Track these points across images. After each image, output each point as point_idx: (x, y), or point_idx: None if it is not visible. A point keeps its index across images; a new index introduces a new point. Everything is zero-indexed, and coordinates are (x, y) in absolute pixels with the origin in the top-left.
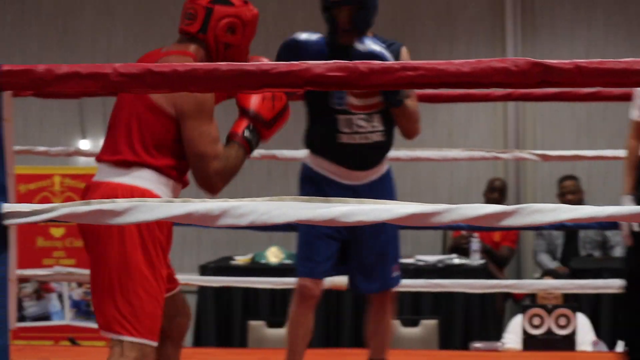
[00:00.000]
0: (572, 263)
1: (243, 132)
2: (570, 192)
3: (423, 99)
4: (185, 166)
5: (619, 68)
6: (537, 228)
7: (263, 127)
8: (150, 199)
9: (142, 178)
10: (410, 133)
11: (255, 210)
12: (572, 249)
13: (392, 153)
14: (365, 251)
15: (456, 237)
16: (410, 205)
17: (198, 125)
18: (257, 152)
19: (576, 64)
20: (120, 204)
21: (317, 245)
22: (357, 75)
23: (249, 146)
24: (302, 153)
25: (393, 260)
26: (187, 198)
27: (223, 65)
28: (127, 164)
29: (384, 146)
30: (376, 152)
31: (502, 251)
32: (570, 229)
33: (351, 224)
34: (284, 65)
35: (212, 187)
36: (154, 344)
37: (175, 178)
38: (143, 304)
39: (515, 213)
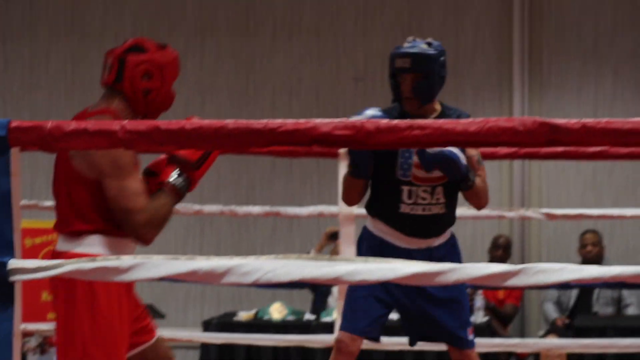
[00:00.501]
0: (577, 320)
1: (170, 179)
2: (591, 244)
3: None
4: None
5: (626, 128)
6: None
7: (190, 170)
8: (157, 256)
9: (93, 245)
10: (479, 207)
11: (260, 269)
12: (585, 303)
13: None
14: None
15: None
16: (415, 265)
17: (117, 182)
18: (261, 209)
19: (583, 123)
20: (125, 261)
21: (361, 303)
22: (364, 134)
23: (177, 191)
24: (307, 210)
25: (465, 323)
26: (193, 255)
27: (230, 123)
28: (77, 234)
29: (445, 218)
30: (437, 223)
31: (506, 309)
32: (568, 288)
33: (355, 282)
34: (291, 123)
35: (142, 238)
36: None
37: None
38: None
39: (520, 273)
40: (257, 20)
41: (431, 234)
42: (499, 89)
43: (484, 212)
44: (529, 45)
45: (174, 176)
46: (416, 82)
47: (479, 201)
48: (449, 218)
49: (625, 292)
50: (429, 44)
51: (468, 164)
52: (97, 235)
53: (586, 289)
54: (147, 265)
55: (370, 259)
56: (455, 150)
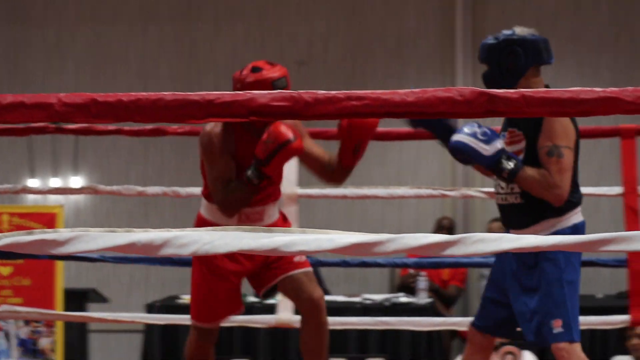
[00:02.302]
0: None
1: (246, 171)
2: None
3: (373, 137)
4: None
5: (565, 97)
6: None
7: (261, 165)
8: (95, 229)
9: (205, 208)
10: (545, 199)
11: (199, 240)
12: None
13: (339, 191)
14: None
15: (404, 275)
16: (353, 235)
17: (207, 165)
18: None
19: (522, 93)
20: (62, 233)
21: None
22: (302, 105)
23: (248, 181)
24: None
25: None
26: (131, 228)
27: (168, 95)
28: (204, 197)
29: (523, 209)
30: (514, 213)
31: (450, 290)
32: None
33: (293, 253)
34: (228, 95)
35: (222, 212)
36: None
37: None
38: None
39: (458, 242)
40: (199, 4)
41: (513, 224)
42: (441, 72)
43: (427, 191)
44: (472, 28)
45: (249, 169)
46: (484, 72)
47: (532, 192)
48: (528, 209)
49: None
50: (507, 33)
51: (539, 154)
52: (207, 200)
53: None
54: (84, 238)
55: (309, 230)
56: (473, 139)
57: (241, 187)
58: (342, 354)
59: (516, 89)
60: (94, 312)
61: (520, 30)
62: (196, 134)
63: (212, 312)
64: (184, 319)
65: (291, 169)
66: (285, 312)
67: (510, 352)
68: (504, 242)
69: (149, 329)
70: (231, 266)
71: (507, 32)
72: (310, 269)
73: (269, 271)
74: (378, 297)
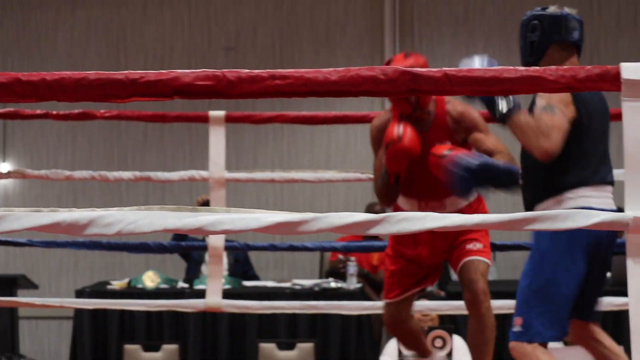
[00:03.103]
0: (449, 287)
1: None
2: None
3: (300, 121)
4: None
5: (487, 76)
6: None
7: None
8: (20, 208)
9: None
10: (533, 150)
11: (123, 220)
12: (445, 272)
13: (267, 175)
14: None
15: (333, 261)
16: (278, 215)
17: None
18: (132, 174)
19: (445, 72)
20: None
21: None
22: (226, 84)
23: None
24: (177, 175)
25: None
26: (56, 208)
27: (91, 74)
28: None
29: (523, 190)
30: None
31: (380, 275)
32: None
33: (218, 232)
34: (152, 74)
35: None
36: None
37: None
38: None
39: (383, 221)
40: None
41: (527, 201)
42: (370, 59)
43: (355, 175)
44: (400, 15)
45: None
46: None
47: (524, 140)
48: (527, 192)
49: None
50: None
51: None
52: None
53: None
54: (9, 218)
55: (234, 209)
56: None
57: (385, 182)
58: (272, 338)
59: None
60: (23, 298)
61: (552, 8)
62: (125, 119)
63: (397, 287)
64: (114, 304)
65: (219, 152)
66: (214, 297)
67: (439, 337)
68: (429, 220)
69: (79, 314)
70: (409, 252)
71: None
72: (479, 258)
73: (457, 255)
74: (308, 282)
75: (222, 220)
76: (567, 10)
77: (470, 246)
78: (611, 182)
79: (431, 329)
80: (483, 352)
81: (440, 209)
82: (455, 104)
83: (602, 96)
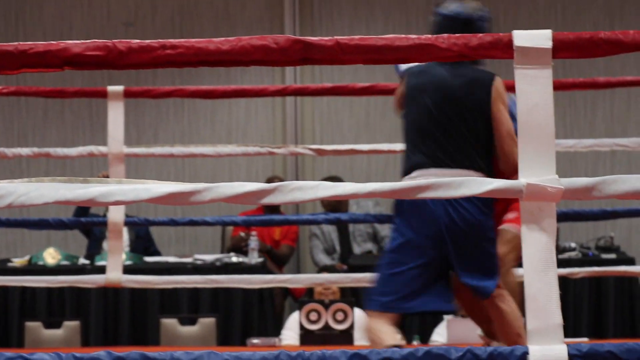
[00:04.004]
0: (350, 260)
1: None
2: None
3: (199, 95)
4: None
5: (380, 44)
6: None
7: None
8: None
9: None
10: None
11: (14, 192)
12: (346, 245)
13: (167, 150)
14: None
15: (235, 236)
16: (170, 185)
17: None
18: (30, 151)
19: (337, 40)
20: None
21: None
22: (116, 55)
23: None
24: (76, 151)
25: None
26: None
27: None
28: None
29: None
30: None
31: (282, 250)
32: (341, 223)
33: (110, 204)
34: (41, 45)
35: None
36: None
37: None
38: None
39: (276, 191)
40: None
41: None
42: (270, 33)
43: (254, 149)
44: None
45: None
46: None
47: None
48: None
49: (378, 225)
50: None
51: None
52: None
53: (342, 229)
54: None
55: (125, 180)
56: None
57: None
58: (174, 314)
59: None
60: None
61: (471, 4)
62: (24, 94)
63: None
64: (14, 281)
65: (117, 126)
66: (114, 272)
67: (341, 310)
68: (321, 189)
69: None
70: None
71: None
72: (509, 227)
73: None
74: (209, 257)
75: (113, 191)
76: (482, 10)
77: (507, 215)
78: (448, 165)
79: (332, 302)
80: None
81: None
82: None
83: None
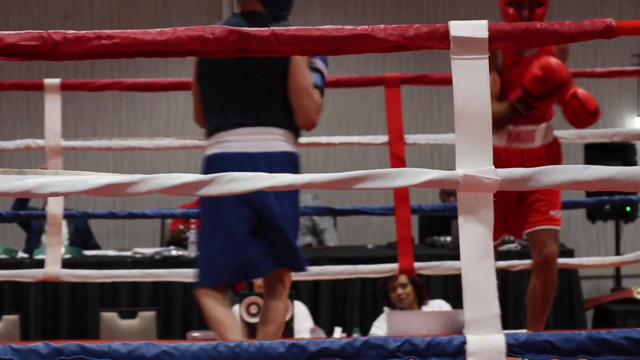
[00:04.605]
0: None
1: (514, 100)
2: None
3: (137, 88)
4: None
5: (316, 35)
6: None
7: (532, 100)
8: None
9: None
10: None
11: None
12: None
13: (104, 143)
14: None
15: (174, 229)
16: (107, 176)
17: None
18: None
19: (273, 31)
20: None
21: None
22: (51, 45)
23: (515, 110)
24: (13, 144)
25: None
26: None
27: None
28: None
29: None
30: None
31: None
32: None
33: (46, 195)
34: None
35: None
36: None
37: None
38: None
39: (213, 182)
40: None
41: None
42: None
43: (193, 142)
44: None
45: (518, 101)
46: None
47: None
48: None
49: (317, 218)
50: None
51: None
52: None
53: None
54: None
55: (61, 171)
56: None
57: (505, 109)
58: (114, 307)
59: None
60: None
61: None
62: None
63: None
64: None
65: (54, 120)
66: (53, 266)
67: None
68: (258, 180)
69: None
70: None
71: None
72: (554, 227)
73: (527, 216)
74: (149, 250)
75: (50, 182)
76: None
77: (543, 209)
78: (247, 124)
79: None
80: (543, 314)
81: (530, 140)
82: None
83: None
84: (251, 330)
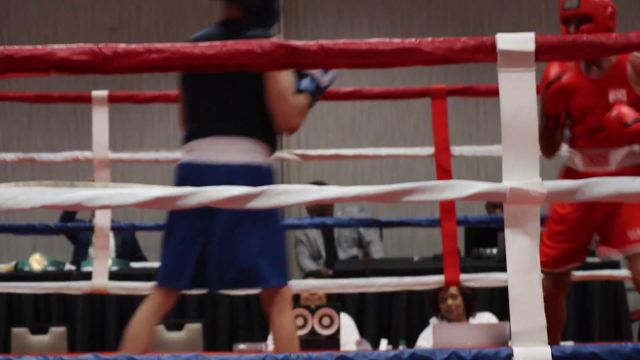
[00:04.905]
0: (336, 265)
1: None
2: None
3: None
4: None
5: (364, 49)
6: (297, 227)
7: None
8: None
9: None
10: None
11: (0, 197)
12: (332, 250)
13: (152, 155)
14: None
15: None
16: (156, 189)
17: None
18: (15, 156)
19: (321, 44)
20: None
21: None
22: (102, 59)
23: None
24: (61, 156)
25: None
26: None
27: None
28: None
29: None
30: None
31: None
32: (326, 228)
33: (96, 208)
34: (27, 50)
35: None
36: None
37: None
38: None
39: (262, 195)
40: None
41: None
42: None
43: None
44: None
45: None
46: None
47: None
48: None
49: (363, 230)
50: None
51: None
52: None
53: (328, 235)
54: None
55: (110, 184)
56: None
57: (543, 129)
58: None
59: None
60: None
61: None
62: (8, 99)
63: (553, 257)
64: (0, 287)
65: (102, 132)
66: (100, 278)
67: (327, 315)
68: (306, 193)
69: None
70: (561, 210)
71: None
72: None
73: (620, 235)
74: None
75: (99, 195)
76: None
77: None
78: (215, 133)
79: (318, 307)
80: None
81: (604, 163)
82: None
83: None
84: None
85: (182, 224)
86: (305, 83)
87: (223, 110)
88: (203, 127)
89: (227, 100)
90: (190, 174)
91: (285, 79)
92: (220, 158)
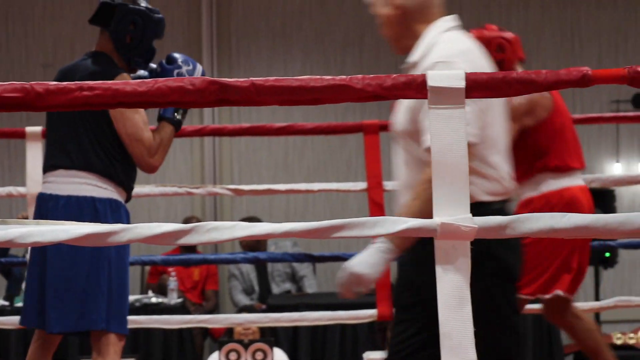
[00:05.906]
0: (269, 300)
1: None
2: None
3: None
4: None
5: (295, 86)
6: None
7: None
8: None
9: None
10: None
11: None
12: (265, 284)
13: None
14: None
15: (151, 282)
16: (87, 226)
17: None
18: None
19: (252, 82)
20: None
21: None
22: (34, 96)
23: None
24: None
25: None
26: None
27: None
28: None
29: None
30: None
31: (210, 298)
32: (259, 263)
33: (29, 244)
34: None
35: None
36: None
37: None
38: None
39: (192, 231)
40: None
41: None
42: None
43: (172, 189)
44: (218, 29)
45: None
46: None
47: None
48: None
49: (296, 265)
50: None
51: None
52: None
53: (261, 269)
54: None
55: (42, 221)
56: None
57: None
58: (88, 355)
59: None
60: None
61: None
62: None
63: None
64: None
65: (36, 167)
66: None
67: (260, 350)
68: (237, 230)
69: None
70: None
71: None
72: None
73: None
74: (129, 297)
75: (31, 232)
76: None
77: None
78: (61, 166)
79: (251, 342)
80: None
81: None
82: None
83: None
84: None
85: (30, 263)
86: (165, 110)
87: (70, 146)
88: (51, 161)
89: (73, 136)
90: (40, 205)
91: (134, 118)
92: (64, 190)
